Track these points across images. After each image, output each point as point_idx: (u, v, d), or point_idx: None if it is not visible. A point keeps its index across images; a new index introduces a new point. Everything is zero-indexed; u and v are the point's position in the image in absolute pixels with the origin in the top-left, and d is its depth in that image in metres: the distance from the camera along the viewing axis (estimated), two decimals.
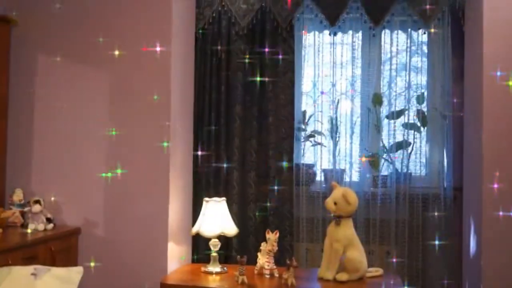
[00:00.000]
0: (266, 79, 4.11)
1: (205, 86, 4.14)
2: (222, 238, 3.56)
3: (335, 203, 3.22)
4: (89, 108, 3.62)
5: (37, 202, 3.40)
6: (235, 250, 4.01)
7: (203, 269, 3.48)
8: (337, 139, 4.16)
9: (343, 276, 3.18)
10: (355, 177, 4.15)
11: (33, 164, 3.66)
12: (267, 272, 3.32)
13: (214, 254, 3.48)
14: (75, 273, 2.11)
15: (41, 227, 3.36)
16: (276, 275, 3.31)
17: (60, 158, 3.63)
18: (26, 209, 3.47)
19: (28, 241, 3.12)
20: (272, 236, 3.33)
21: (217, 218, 3.45)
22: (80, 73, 3.64)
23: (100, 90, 3.62)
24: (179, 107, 3.70)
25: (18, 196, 3.52)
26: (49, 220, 3.42)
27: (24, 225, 3.46)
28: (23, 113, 3.68)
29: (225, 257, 4.00)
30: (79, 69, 3.64)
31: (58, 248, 3.31)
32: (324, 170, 4.20)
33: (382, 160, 4.11)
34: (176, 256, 3.63)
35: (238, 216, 4.00)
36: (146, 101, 3.54)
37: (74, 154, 3.62)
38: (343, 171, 4.14)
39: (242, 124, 4.14)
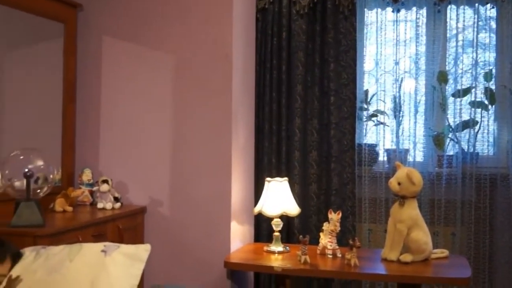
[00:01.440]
0: (328, 58, 4.06)
1: (266, 66, 4.14)
2: (284, 218, 3.57)
3: (399, 183, 3.17)
4: (154, 90, 3.68)
5: (105, 181, 3.50)
6: (297, 230, 4.02)
7: (265, 248, 3.51)
8: (401, 118, 4.08)
9: (407, 257, 3.14)
10: (419, 157, 4.07)
11: (101, 145, 3.76)
12: (330, 252, 3.32)
13: (276, 233, 3.50)
14: (143, 250, 2.16)
15: (109, 206, 3.47)
16: (339, 255, 3.30)
17: (126, 140, 3.72)
18: (94, 188, 3.59)
19: (97, 219, 3.22)
20: (334, 216, 3.32)
21: (279, 198, 3.46)
22: (144, 56, 3.70)
23: (164, 72, 3.67)
24: (241, 88, 3.71)
25: (87, 176, 3.64)
26: (116, 199, 3.52)
27: (93, 204, 3.58)
28: (90, 96, 3.78)
29: (287, 237, 4.02)
30: (143, 52, 3.70)
31: (125, 226, 3.41)
32: (387, 150, 4.14)
33: (448, 140, 4.01)
34: (238, 235, 3.67)
35: (300, 196, 4.01)
36: (208, 83, 3.57)
37: (140, 135, 3.70)
38: (407, 151, 4.06)
39: (303, 104, 4.12)
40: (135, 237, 3.50)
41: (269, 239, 3.75)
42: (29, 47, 3.38)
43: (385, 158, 4.16)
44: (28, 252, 2.24)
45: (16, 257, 2.19)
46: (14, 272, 2.13)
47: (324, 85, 4.13)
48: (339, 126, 4.08)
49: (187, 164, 3.61)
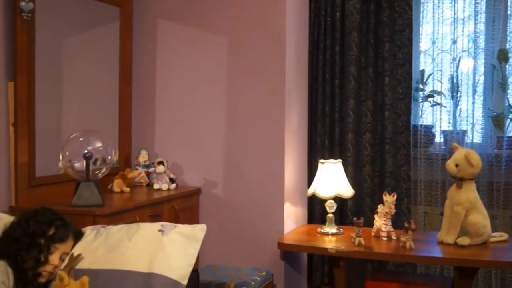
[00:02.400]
0: (382, 38, 3.99)
1: (319, 47, 4.10)
2: (337, 200, 3.55)
3: (456, 165, 3.10)
4: (207, 72, 3.71)
5: (161, 163, 3.57)
6: (350, 212, 4.00)
7: (319, 230, 3.51)
8: (458, 98, 3.97)
9: (464, 240, 3.07)
10: (477, 139, 3.96)
11: (156, 127, 3.82)
12: (384, 234, 3.29)
13: (330, 215, 3.49)
14: (199, 230, 2.19)
15: (165, 186, 3.53)
16: (394, 237, 3.27)
17: (181, 122, 3.77)
18: (151, 169, 3.66)
19: (154, 199, 3.29)
20: (389, 199, 3.28)
21: (332, 180, 3.44)
22: (198, 38, 3.72)
23: (217, 54, 3.68)
24: (294, 69, 3.69)
25: (143, 157, 3.71)
26: (172, 180, 3.58)
27: (149, 185, 3.66)
28: (145, 79, 3.84)
29: (340, 219, 4.00)
30: (197, 34, 3.72)
31: (181, 207, 3.47)
32: (443, 132, 4.04)
33: (508, 120, 3.88)
34: (292, 217, 3.68)
35: (353, 178, 3.97)
36: (261, 64, 3.57)
37: (194, 117, 3.74)
38: (464, 132, 3.96)
39: (357, 85, 4.06)
40: (190, 218, 3.55)
41: (322, 221, 3.75)
42: (87, 32, 3.46)
43: (442, 140, 4.07)
44: (89, 231, 2.31)
45: (78, 236, 2.26)
46: (76, 250, 2.20)
47: (378, 66, 4.06)
48: (393, 108, 4.01)
49: (241, 145, 3.63)
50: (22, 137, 2.86)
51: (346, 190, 3.48)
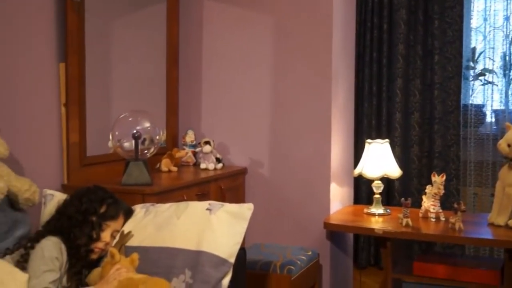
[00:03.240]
0: (432, 15, 3.89)
1: (367, 26, 4.04)
2: (384, 180, 3.52)
3: (508, 145, 3.02)
4: (254, 52, 3.70)
5: (208, 143, 3.59)
6: (397, 193, 3.96)
7: (365, 210, 3.48)
8: (511, 77, 3.86)
9: None
10: None
11: (203, 107, 3.85)
12: (433, 215, 3.24)
13: (376, 196, 3.45)
14: (246, 209, 2.21)
15: (211, 166, 3.56)
16: (442, 219, 3.21)
17: (227, 102, 3.78)
18: (197, 149, 3.69)
19: (200, 179, 3.32)
20: (438, 179, 3.22)
21: (380, 160, 3.41)
22: (244, 18, 3.71)
23: (264, 34, 3.67)
24: (341, 49, 3.65)
25: (190, 137, 3.74)
26: (218, 160, 3.61)
27: (196, 164, 3.70)
28: (192, 60, 3.85)
29: (387, 200, 3.97)
30: (243, 14, 3.71)
31: (227, 186, 3.49)
32: (495, 111, 3.95)
33: None
34: (338, 197, 3.67)
35: (401, 158, 3.93)
36: (308, 43, 3.53)
37: (240, 97, 3.74)
38: None
39: (405, 64, 4.00)
40: (237, 197, 3.58)
41: (368, 202, 3.73)
42: (135, 13, 3.49)
43: (493, 119, 3.97)
44: (139, 209, 2.36)
45: (128, 214, 2.31)
46: (126, 228, 2.25)
47: (427, 44, 3.98)
48: (443, 86, 3.93)
49: (287, 125, 3.62)
50: (73, 117, 2.93)
51: (394, 171, 3.44)
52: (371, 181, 3.46)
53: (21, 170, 2.61)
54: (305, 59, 3.55)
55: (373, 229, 3.16)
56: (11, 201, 2.31)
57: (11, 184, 2.26)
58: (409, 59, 4.02)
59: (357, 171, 3.50)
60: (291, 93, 3.60)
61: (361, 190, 4.23)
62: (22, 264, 2.03)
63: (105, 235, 2.18)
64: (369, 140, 3.50)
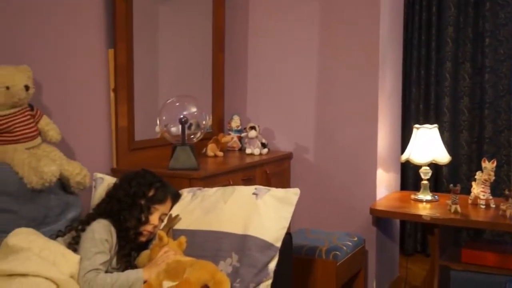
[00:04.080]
0: None
1: (415, 8, 3.96)
2: (431, 166, 3.46)
3: None
4: (299, 36, 3.67)
5: (253, 128, 3.60)
6: (445, 179, 3.89)
7: (412, 196, 3.44)
8: None
9: None
10: None
11: (248, 93, 3.85)
12: (482, 202, 3.17)
13: (424, 182, 3.40)
14: (293, 194, 2.20)
15: (256, 151, 3.57)
16: (493, 205, 3.14)
17: (273, 87, 3.77)
18: (243, 134, 3.71)
19: (246, 164, 3.33)
20: (488, 165, 3.15)
21: (428, 145, 3.35)
22: (291, 2, 3.69)
23: (310, 17, 3.63)
24: (388, 32, 3.59)
25: (235, 122, 3.76)
26: (263, 145, 3.61)
27: (242, 149, 3.71)
28: (238, 45, 3.86)
29: (435, 186, 3.91)
30: None
31: (272, 171, 3.50)
32: None
33: None
34: (384, 182, 3.63)
35: (449, 144, 3.85)
36: (355, 27, 3.49)
37: (286, 82, 3.73)
38: None
39: (454, 47, 3.91)
40: (282, 182, 3.58)
41: (415, 188, 3.68)
42: None
43: None
44: (186, 193, 2.38)
45: (176, 197, 2.34)
46: (174, 211, 2.28)
47: (478, 26, 3.88)
48: (494, 70, 3.83)
49: (333, 110, 3.60)
50: (122, 102, 2.98)
51: (442, 156, 3.38)
52: (418, 167, 3.41)
53: (72, 155, 2.68)
54: (352, 43, 3.51)
55: (420, 216, 3.12)
56: (63, 184, 2.37)
57: (63, 168, 2.32)
58: (459, 42, 3.92)
59: (404, 156, 3.45)
60: (338, 78, 3.57)
61: (408, 176, 4.17)
62: (74, 246, 2.09)
63: (154, 218, 2.21)
64: (417, 125, 3.45)
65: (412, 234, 4.33)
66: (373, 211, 3.30)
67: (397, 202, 3.44)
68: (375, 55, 3.44)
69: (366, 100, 3.49)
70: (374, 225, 3.51)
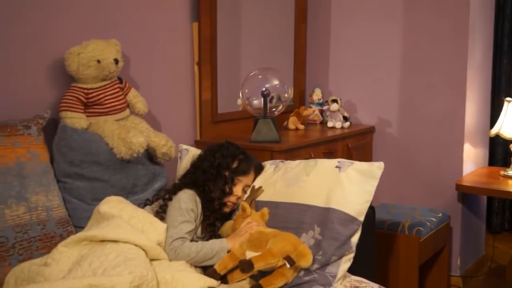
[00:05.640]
0: None
1: None
2: None
3: None
4: (384, 7, 3.58)
5: (335, 101, 3.56)
6: None
7: (501, 173, 3.31)
8: None
9: None
10: None
11: (330, 65, 3.81)
12: None
13: None
14: (377, 167, 2.16)
15: (338, 124, 3.53)
16: None
17: (356, 59, 3.71)
18: (324, 107, 3.67)
19: (327, 137, 3.31)
20: None
21: None
22: None
23: None
24: (479, 1, 3.42)
25: (317, 95, 3.73)
26: (345, 119, 3.57)
27: (323, 123, 3.69)
28: (320, 16, 3.80)
29: None
30: None
31: (354, 145, 3.46)
32: None
33: None
34: (471, 158, 3.50)
35: None
36: None
37: (369, 54, 3.66)
38: None
39: None
40: (364, 156, 3.53)
41: (504, 164, 3.54)
42: None
43: None
44: (268, 165, 2.40)
45: (259, 169, 2.36)
46: (257, 183, 2.30)
47: None
48: None
49: (418, 83, 3.50)
50: (205, 75, 3.02)
51: None
52: (508, 141, 3.27)
53: (158, 126, 2.76)
54: (439, 13, 3.38)
55: (509, 192, 3.00)
56: (150, 155, 2.45)
57: (150, 139, 2.39)
58: None
59: (493, 131, 3.31)
60: (424, 49, 3.46)
61: (497, 151, 4.00)
62: (161, 214, 2.15)
63: (237, 190, 2.24)
64: (508, 98, 3.29)
65: (500, 212, 4.18)
66: (459, 187, 3.20)
67: (485, 178, 3.32)
68: (464, 25, 3.30)
69: (454, 72, 3.36)
70: (459, 201, 3.41)
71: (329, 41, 3.79)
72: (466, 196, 3.43)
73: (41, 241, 2.00)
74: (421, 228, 2.94)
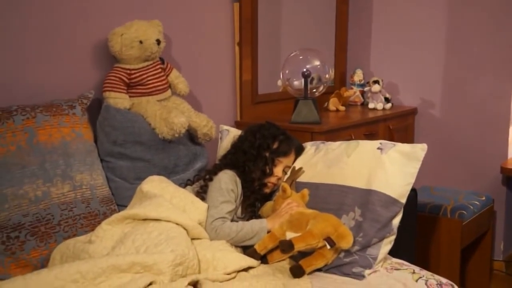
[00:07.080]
0: None
1: None
2: None
3: None
4: None
5: (376, 82, 3.52)
6: None
7: None
8: None
9: None
10: None
11: (372, 46, 3.75)
12: None
13: None
14: (420, 149, 2.12)
15: (379, 106, 3.49)
16: None
17: (398, 40, 3.65)
18: (365, 88, 3.63)
19: (368, 118, 3.27)
20: None
21: None
22: None
23: None
24: None
25: (358, 76, 3.69)
26: (387, 100, 3.52)
27: (364, 104, 3.65)
28: None
29: None
30: None
31: (396, 127, 3.41)
32: None
33: None
34: None
35: None
36: None
37: (412, 35, 3.59)
38: None
39: None
40: (406, 138, 3.49)
41: None
42: None
43: None
44: (309, 146, 2.38)
45: (299, 150, 2.35)
46: (297, 164, 2.30)
47: None
48: None
49: (462, 63, 3.42)
50: (246, 56, 3.02)
51: None
52: None
53: (199, 107, 2.78)
54: None
55: None
56: (191, 135, 2.47)
57: (191, 120, 2.41)
58: None
59: None
60: (468, 28, 3.37)
61: None
62: (201, 194, 2.17)
63: (277, 170, 2.24)
64: None
65: None
66: (504, 170, 3.13)
67: None
68: (511, 1, 3.20)
69: (500, 52, 3.28)
70: (504, 184, 3.35)
71: (371, 21, 3.73)
72: (511, 179, 3.36)
73: (85, 218, 2.05)
74: (464, 212, 2.89)
